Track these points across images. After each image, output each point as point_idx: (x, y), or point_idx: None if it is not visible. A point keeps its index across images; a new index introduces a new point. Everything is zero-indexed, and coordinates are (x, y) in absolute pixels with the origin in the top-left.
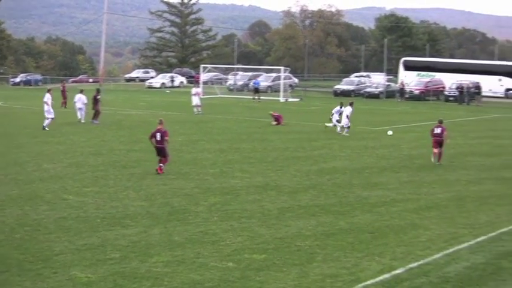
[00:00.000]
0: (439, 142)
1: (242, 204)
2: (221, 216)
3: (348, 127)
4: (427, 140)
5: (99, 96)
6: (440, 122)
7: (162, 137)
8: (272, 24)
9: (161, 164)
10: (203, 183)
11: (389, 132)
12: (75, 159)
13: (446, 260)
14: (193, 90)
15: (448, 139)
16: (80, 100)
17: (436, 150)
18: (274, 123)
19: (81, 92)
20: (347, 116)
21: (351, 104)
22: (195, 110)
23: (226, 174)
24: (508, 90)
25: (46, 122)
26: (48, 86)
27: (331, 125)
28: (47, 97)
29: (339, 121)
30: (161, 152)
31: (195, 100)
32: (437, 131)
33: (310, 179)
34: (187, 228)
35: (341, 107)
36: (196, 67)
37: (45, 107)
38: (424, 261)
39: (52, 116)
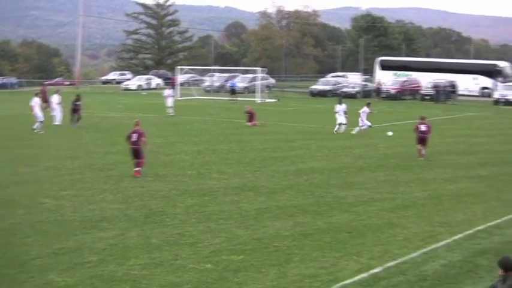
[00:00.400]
0: (424, 139)
1: (220, 206)
2: (199, 218)
3: (369, 126)
4: (403, 139)
5: (78, 102)
6: (423, 118)
7: (138, 137)
8: (248, 25)
9: (137, 168)
10: (180, 185)
11: (389, 133)
12: (52, 162)
13: (424, 258)
14: (166, 92)
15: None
16: (54, 100)
17: (420, 147)
18: (249, 124)
19: (57, 92)
20: (363, 116)
21: (367, 105)
22: (169, 111)
23: (203, 176)
24: (483, 88)
25: (36, 125)
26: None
27: (356, 129)
28: (35, 101)
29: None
30: (136, 153)
31: (169, 102)
32: (422, 128)
33: (287, 179)
34: (164, 230)
35: (340, 104)
36: (172, 69)
37: (34, 111)
38: (401, 260)
39: (41, 119)
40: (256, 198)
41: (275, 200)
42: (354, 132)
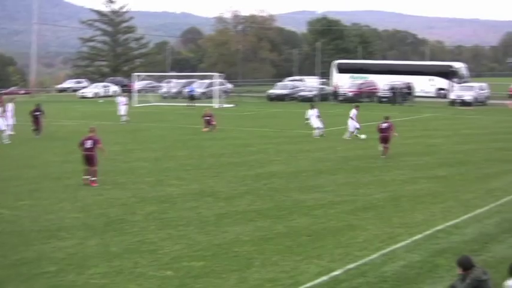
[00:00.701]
0: (385, 138)
1: (179, 212)
2: (158, 225)
3: (355, 129)
4: (362, 142)
5: (38, 113)
6: (387, 118)
7: (94, 144)
8: (205, 30)
9: (92, 178)
10: (139, 192)
11: (363, 136)
12: (8, 172)
13: (383, 259)
14: (119, 99)
15: (394, 133)
16: (9, 109)
17: (382, 146)
18: (206, 129)
19: (11, 101)
20: (352, 119)
21: (356, 108)
22: (122, 119)
23: (162, 183)
24: (439, 89)
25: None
26: None
27: (363, 136)
28: None
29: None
30: (90, 161)
31: (123, 109)
32: (383, 126)
33: (246, 184)
34: (124, 238)
35: (312, 109)
36: (129, 75)
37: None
38: (361, 262)
39: (2, 128)
40: (216, 203)
41: (234, 205)
42: (345, 137)
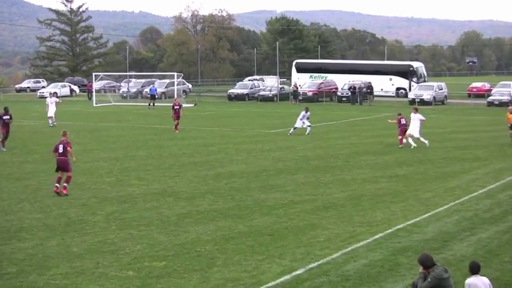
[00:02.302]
0: (405, 130)
1: (140, 212)
2: (119, 225)
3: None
4: (322, 141)
5: (6, 117)
6: (399, 114)
7: (64, 148)
8: (163, 30)
9: (65, 184)
10: (100, 192)
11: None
12: None
13: (345, 258)
14: (50, 99)
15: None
16: None
17: (403, 137)
18: (176, 121)
19: None
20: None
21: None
22: (50, 121)
23: (122, 183)
24: (398, 89)
25: None
26: None
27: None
28: None
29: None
30: (64, 166)
31: (51, 110)
32: (403, 121)
33: (207, 184)
34: (85, 238)
35: (306, 112)
36: (88, 75)
37: None
38: (323, 261)
39: None
40: (177, 203)
41: (195, 205)
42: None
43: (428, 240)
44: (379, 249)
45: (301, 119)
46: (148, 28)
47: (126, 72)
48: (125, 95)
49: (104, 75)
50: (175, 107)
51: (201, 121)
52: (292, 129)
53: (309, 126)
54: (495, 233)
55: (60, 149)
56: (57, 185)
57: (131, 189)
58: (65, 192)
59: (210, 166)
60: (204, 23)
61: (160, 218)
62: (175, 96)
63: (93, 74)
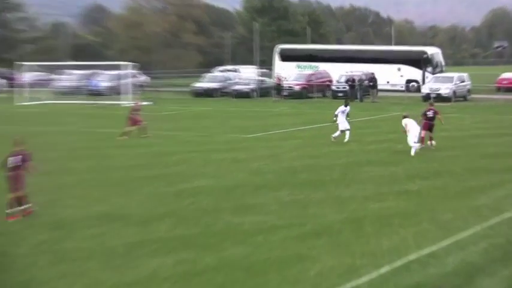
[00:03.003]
0: (432, 126)
1: (78, 242)
2: (51, 259)
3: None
4: (312, 148)
5: None
6: (432, 104)
7: (23, 161)
8: (112, 8)
9: (26, 206)
10: (27, 215)
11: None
12: None
13: None
14: None
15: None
16: None
17: (428, 134)
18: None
19: None
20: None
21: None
22: None
23: (56, 203)
24: (409, 81)
25: None
26: None
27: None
28: None
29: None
30: (16, 184)
31: None
32: (430, 114)
33: (166, 204)
34: (4, 277)
35: (346, 106)
36: (15, 66)
37: None
38: None
39: None
40: (126, 230)
41: (150, 232)
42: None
43: (448, 274)
44: (385, 286)
45: (343, 113)
46: (93, 6)
47: (64, 61)
48: (63, 90)
49: (36, 65)
50: (132, 114)
51: (158, 123)
52: (338, 132)
53: (349, 129)
54: None
55: (12, 162)
56: (11, 210)
57: (67, 211)
58: (30, 213)
59: (170, 181)
60: None
61: (104, 249)
62: (129, 92)
63: (22, 63)
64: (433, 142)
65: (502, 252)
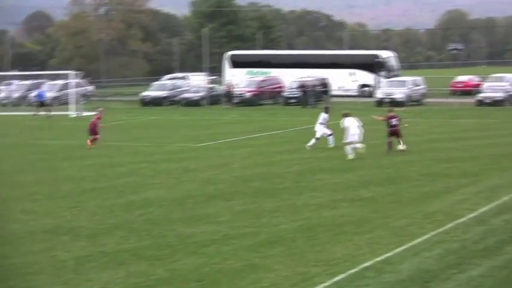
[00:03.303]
0: (396, 132)
1: (25, 257)
2: None
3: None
4: (264, 157)
5: None
6: (390, 111)
7: None
8: (55, 15)
9: None
10: None
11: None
12: None
13: None
14: None
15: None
16: None
17: (392, 139)
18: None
19: None
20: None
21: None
22: None
23: (3, 218)
24: (362, 86)
25: None
26: None
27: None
28: None
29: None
30: None
31: None
32: (394, 122)
33: (115, 216)
34: None
35: (327, 112)
36: None
37: None
38: None
39: None
40: (75, 243)
41: (100, 245)
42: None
43: (403, 281)
44: None
45: (321, 123)
46: (35, 13)
47: (5, 71)
48: (4, 101)
49: None
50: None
51: (106, 134)
52: (313, 141)
53: (331, 134)
54: (489, 269)
55: None
56: None
57: (13, 226)
58: None
59: (119, 192)
60: (108, 5)
61: (53, 264)
62: (74, 102)
63: None
64: (402, 147)
65: (456, 257)
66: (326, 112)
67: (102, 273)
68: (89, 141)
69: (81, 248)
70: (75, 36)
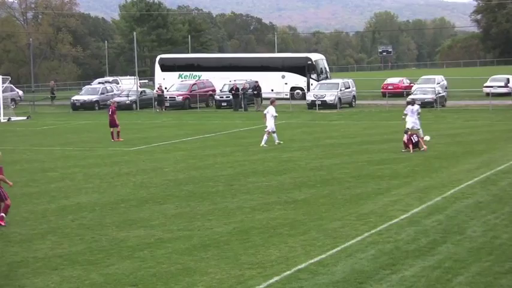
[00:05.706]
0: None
1: None
2: None
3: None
4: (197, 160)
5: None
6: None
7: None
8: None
9: (2, 214)
10: None
11: (427, 138)
12: None
13: None
14: None
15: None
16: None
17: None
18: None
19: None
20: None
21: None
22: None
23: None
24: (293, 89)
25: None
26: None
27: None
28: None
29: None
30: None
31: None
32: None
33: (48, 221)
34: None
35: (413, 105)
36: None
37: None
38: None
39: None
40: (8, 249)
41: (32, 250)
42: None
43: (338, 282)
44: None
45: (413, 114)
46: None
47: None
48: None
49: None
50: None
51: (36, 139)
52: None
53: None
54: (422, 270)
55: None
56: None
57: None
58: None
59: (51, 197)
60: (36, 9)
61: None
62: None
63: None
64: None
65: (390, 258)
66: (413, 104)
67: (35, 279)
68: (116, 139)
69: (13, 254)
70: (3, 41)
